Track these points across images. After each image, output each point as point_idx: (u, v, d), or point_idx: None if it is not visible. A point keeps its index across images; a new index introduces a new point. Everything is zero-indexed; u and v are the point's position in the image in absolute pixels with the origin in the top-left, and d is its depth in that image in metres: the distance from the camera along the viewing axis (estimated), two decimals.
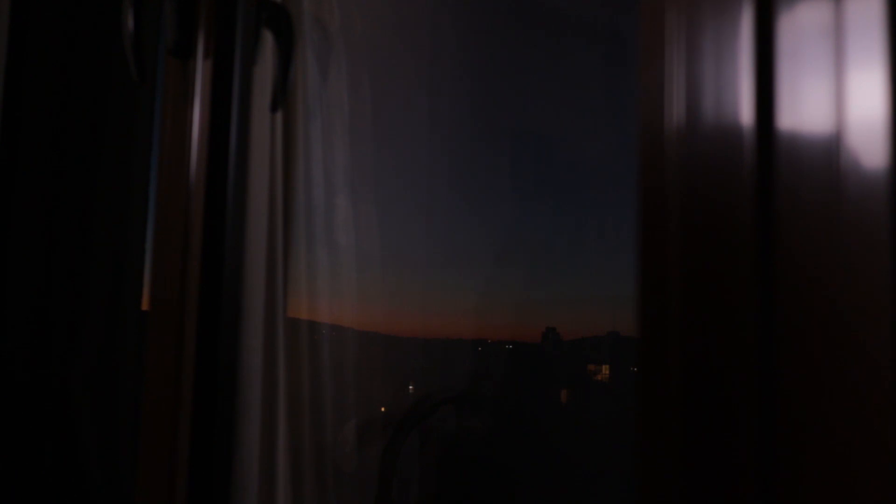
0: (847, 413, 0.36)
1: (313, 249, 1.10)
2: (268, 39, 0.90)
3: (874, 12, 0.36)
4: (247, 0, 0.81)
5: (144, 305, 1.30)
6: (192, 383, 0.74)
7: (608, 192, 1.85)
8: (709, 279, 0.42)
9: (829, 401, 0.37)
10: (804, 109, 0.39)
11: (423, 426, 1.59)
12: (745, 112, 0.41)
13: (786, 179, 0.39)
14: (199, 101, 0.78)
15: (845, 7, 0.37)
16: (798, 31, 0.40)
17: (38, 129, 1.25)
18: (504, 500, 1.72)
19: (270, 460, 0.93)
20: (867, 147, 0.36)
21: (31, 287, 1.23)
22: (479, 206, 1.98)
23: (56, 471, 1.22)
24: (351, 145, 1.22)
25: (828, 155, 0.38)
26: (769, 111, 0.41)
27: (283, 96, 0.92)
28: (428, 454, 1.58)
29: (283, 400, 0.96)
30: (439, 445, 1.61)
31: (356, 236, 1.24)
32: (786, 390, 0.38)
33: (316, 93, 1.12)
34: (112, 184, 1.31)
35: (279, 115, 0.97)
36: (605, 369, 1.91)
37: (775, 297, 0.39)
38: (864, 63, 0.36)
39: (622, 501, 1.56)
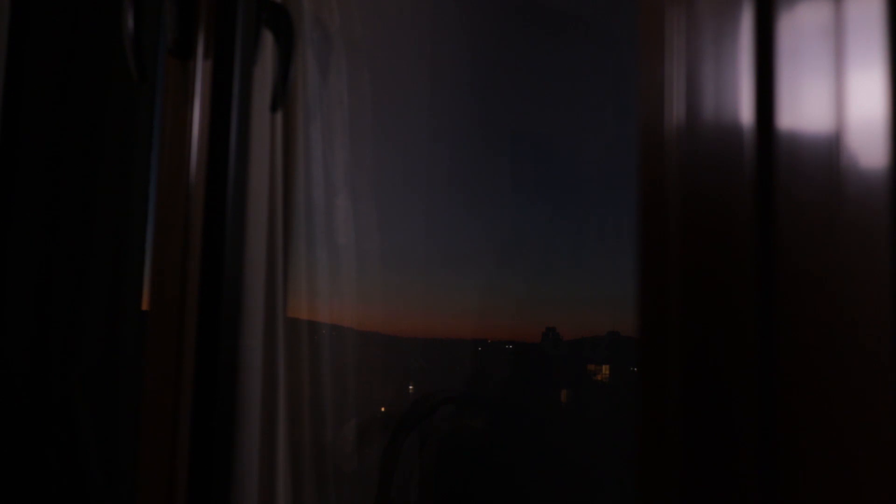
0: (848, 412, 0.36)
1: (313, 249, 1.10)
2: (268, 39, 0.90)
3: (874, 12, 0.36)
4: (247, 0, 0.81)
5: (144, 305, 1.30)
6: (192, 383, 0.74)
7: (608, 192, 1.85)
8: (709, 279, 0.42)
9: (829, 400, 0.37)
10: (804, 109, 0.39)
11: (423, 426, 1.59)
12: (745, 112, 0.41)
13: (786, 179, 0.39)
14: (199, 101, 0.78)
15: (845, 7, 0.37)
16: (798, 31, 0.40)
17: (39, 129, 1.24)
18: (504, 499, 1.72)
19: (270, 460, 0.93)
20: (867, 147, 0.36)
21: (31, 287, 1.23)
22: (480, 206, 1.98)
23: (56, 471, 1.22)
24: (351, 145, 1.22)
25: (828, 155, 0.38)
26: (769, 111, 0.41)
27: (283, 96, 0.92)
28: (428, 454, 1.58)
29: (283, 400, 0.96)
30: (439, 445, 1.61)
31: (356, 236, 1.24)
32: (786, 390, 0.38)
33: (316, 93, 1.12)
34: (112, 183, 1.31)
35: (279, 115, 0.97)
36: (605, 369, 1.91)
37: (775, 296, 0.39)
38: (864, 63, 0.36)
39: (622, 501, 1.56)
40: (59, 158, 1.26)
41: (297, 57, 0.99)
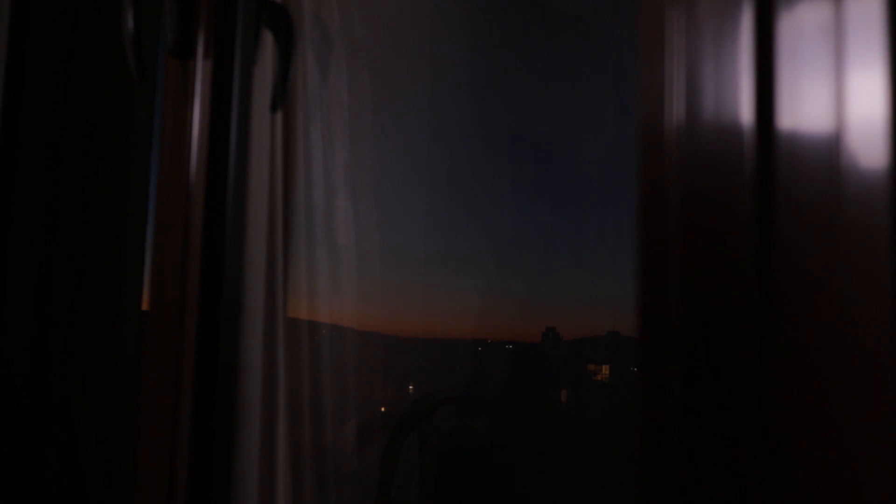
0: (848, 412, 0.36)
1: (313, 249, 1.10)
2: (268, 39, 0.90)
3: (874, 12, 0.36)
4: (247, 0, 0.81)
5: (144, 305, 1.30)
6: (192, 383, 0.74)
7: (608, 192, 1.85)
8: (709, 279, 0.42)
9: (829, 400, 0.37)
10: (804, 109, 0.39)
11: (423, 426, 1.59)
12: (745, 112, 0.41)
13: (786, 179, 0.39)
14: (199, 101, 0.78)
15: (845, 7, 0.37)
16: (798, 31, 0.40)
17: (39, 129, 1.24)
18: (504, 499, 1.72)
19: (270, 460, 0.93)
20: (867, 147, 0.36)
21: (31, 287, 1.23)
22: (480, 206, 1.98)
23: (56, 471, 1.22)
24: (351, 145, 1.22)
25: (828, 155, 0.38)
26: (769, 111, 0.41)
27: (283, 96, 0.92)
28: (428, 454, 1.58)
29: (283, 400, 0.96)
30: (439, 445, 1.61)
31: (356, 236, 1.24)
32: (786, 390, 0.38)
33: (316, 93, 1.12)
34: (112, 183, 1.31)
35: (279, 115, 0.97)
36: (605, 369, 1.91)
37: (775, 296, 0.39)
38: (864, 63, 0.36)
39: (622, 501, 1.56)
40: (59, 158, 1.26)
41: (297, 57, 0.99)
